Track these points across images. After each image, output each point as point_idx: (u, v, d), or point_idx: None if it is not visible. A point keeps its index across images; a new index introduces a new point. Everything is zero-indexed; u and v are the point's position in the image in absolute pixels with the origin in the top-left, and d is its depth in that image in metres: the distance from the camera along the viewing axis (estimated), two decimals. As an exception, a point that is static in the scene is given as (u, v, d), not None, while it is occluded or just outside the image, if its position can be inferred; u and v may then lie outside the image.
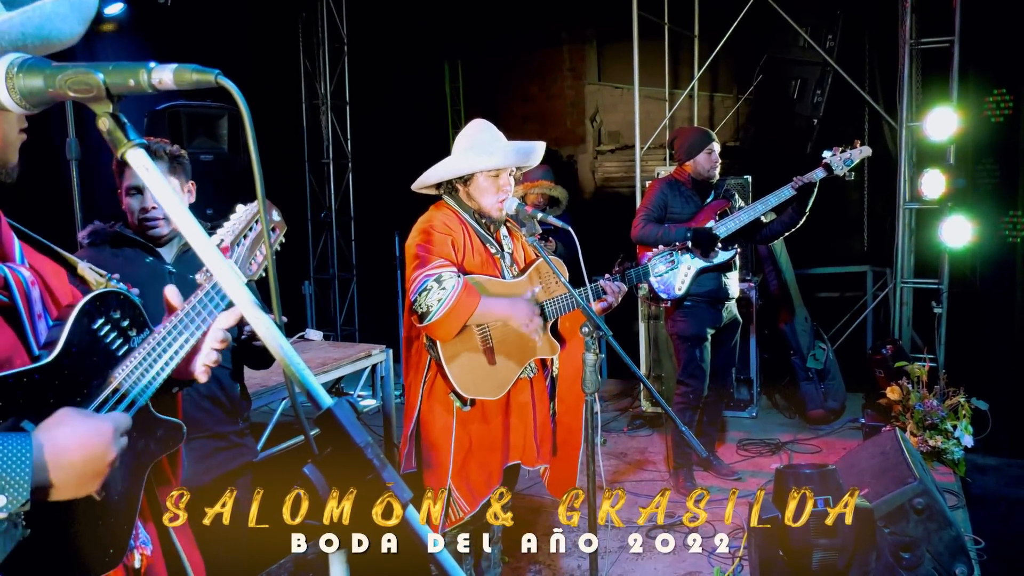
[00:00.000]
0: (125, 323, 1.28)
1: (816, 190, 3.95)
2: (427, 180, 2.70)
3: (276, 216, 1.53)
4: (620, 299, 2.77)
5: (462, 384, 2.57)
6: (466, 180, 2.64)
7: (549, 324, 2.75)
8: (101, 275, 1.33)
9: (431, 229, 2.57)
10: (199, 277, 1.39)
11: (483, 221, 2.69)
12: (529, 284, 2.73)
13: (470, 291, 2.47)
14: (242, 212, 1.50)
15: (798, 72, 6.29)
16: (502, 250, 2.75)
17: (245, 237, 1.47)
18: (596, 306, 2.71)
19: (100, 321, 1.24)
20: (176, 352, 1.30)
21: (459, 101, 9.05)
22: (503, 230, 2.79)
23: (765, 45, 6.60)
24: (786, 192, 3.96)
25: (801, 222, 4.07)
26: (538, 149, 2.67)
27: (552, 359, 2.87)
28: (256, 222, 1.50)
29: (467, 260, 2.60)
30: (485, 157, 2.60)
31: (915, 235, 5.55)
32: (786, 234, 4.19)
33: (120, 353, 1.26)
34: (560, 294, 2.73)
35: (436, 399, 2.66)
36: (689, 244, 4.08)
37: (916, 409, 4.37)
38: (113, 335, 1.26)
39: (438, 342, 2.54)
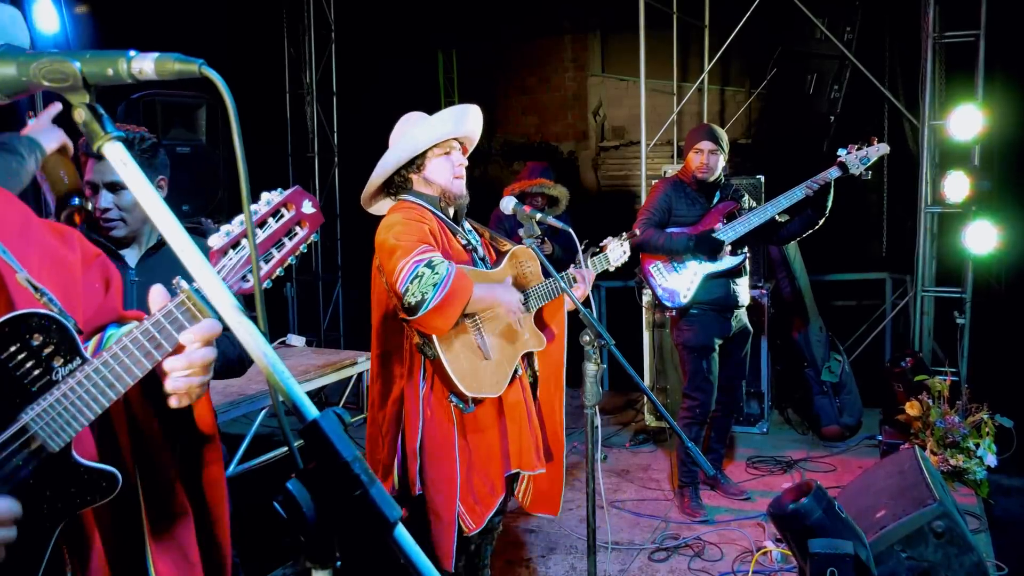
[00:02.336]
0: (47, 351, 1.16)
1: (833, 188, 3.97)
2: (382, 171, 2.67)
3: (309, 207, 1.30)
4: (591, 285, 2.81)
5: (465, 382, 2.51)
6: (419, 166, 2.64)
7: (532, 315, 2.77)
8: (37, 289, 1.19)
9: (404, 219, 2.56)
10: (156, 295, 1.22)
11: (449, 212, 2.70)
12: (508, 272, 2.75)
13: (463, 275, 2.46)
14: (263, 200, 1.30)
15: (814, 66, 6.32)
16: (472, 243, 2.76)
17: (258, 230, 1.26)
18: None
19: (13, 348, 1.13)
20: (111, 388, 1.15)
21: (453, 93, 9.08)
22: (466, 225, 2.81)
23: (779, 37, 6.63)
24: (798, 193, 3.98)
25: (821, 222, 4.09)
26: (471, 111, 2.68)
27: (531, 362, 2.88)
28: (272, 218, 1.27)
29: (445, 252, 2.58)
30: (428, 129, 2.61)
31: (937, 240, 5.57)
32: (805, 235, 4.20)
33: (36, 387, 1.15)
34: (536, 284, 2.76)
35: (437, 405, 2.61)
36: (691, 252, 4.11)
37: (937, 426, 4.39)
38: (29, 364, 1.14)
39: (434, 338, 2.48)
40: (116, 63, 0.89)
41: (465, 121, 2.65)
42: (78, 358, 1.18)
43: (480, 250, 2.77)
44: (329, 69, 7.69)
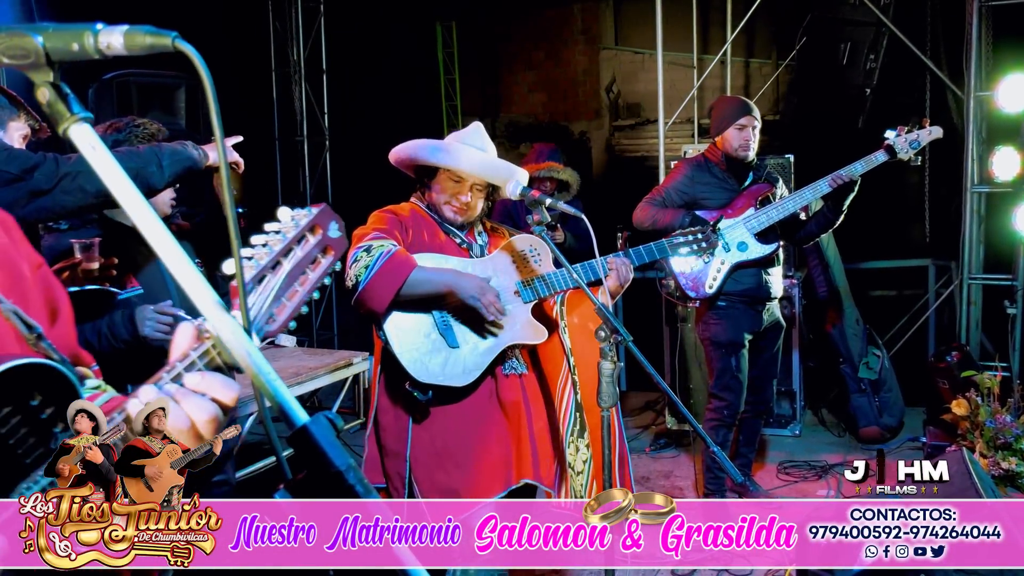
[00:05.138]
0: (47, 413, 1.04)
1: (857, 187, 3.95)
2: (400, 153, 2.81)
3: (335, 231, 1.19)
4: (630, 277, 2.79)
5: (415, 367, 2.60)
6: (432, 175, 2.78)
7: (530, 306, 2.78)
8: (28, 326, 1.08)
9: (379, 212, 2.75)
10: (182, 336, 1.08)
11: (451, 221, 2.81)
12: (493, 263, 2.77)
13: (402, 256, 2.56)
14: (281, 227, 1.15)
15: (848, 34, 6.26)
16: (474, 243, 2.83)
17: (275, 268, 1.12)
18: (603, 295, 2.72)
19: (7, 410, 1.00)
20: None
21: (453, 69, 9.06)
22: (479, 226, 2.89)
23: (809, 2, 6.58)
24: (823, 187, 3.97)
25: (839, 222, 4.09)
26: (510, 172, 2.70)
27: (569, 370, 2.87)
28: (307, 233, 1.14)
29: (420, 242, 2.70)
30: (443, 153, 2.73)
31: (984, 223, 5.54)
32: (823, 235, 4.21)
33: (30, 459, 1.03)
34: (544, 273, 2.76)
35: (391, 395, 2.74)
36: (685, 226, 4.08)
37: (986, 426, 4.36)
38: (22, 433, 1.01)
39: (385, 325, 2.60)
40: (81, 37, 0.88)
41: (495, 173, 2.70)
42: None
43: (479, 250, 2.82)
44: (318, 45, 7.67)
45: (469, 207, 2.74)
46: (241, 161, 2.51)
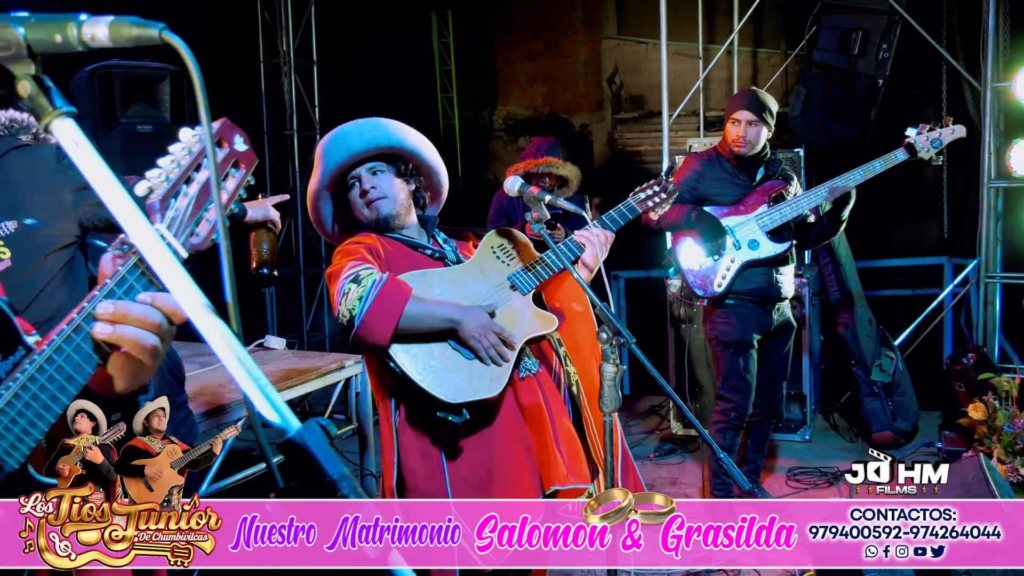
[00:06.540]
0: None
1: (853, 197, 3.96)
2: (312, 214, 2.77)
3: (241, 144, 1.25)
4: (608, 247, 2.76)
5: (443, 389, 2.49)
6: (344, 204, 2.72)
7: (531, 296, 2.74)
8: None
9: (339, 249, 2.65)
10: (106, 259, 1.15)
11: (403, 232, 2.73)
12: (479, 264, 2.72)
13: (395, 281, 2.47)
14: (184, 144, 1.19)
15: (859, 22, 6.27)
16: (443, 249, 2.77)
17: (188, 183, 1.17)
18: (582, 270, 2.70)
19: None
20: (69, 382, 1.06)
21: (449, 60, 9.05)
22: (440, 235, 2.83)
23: (820, -10, 6.59)
24: (872, 167, 3.97)
25: (839, 231, 4.11)
26: (372, 126, 2.67)
27: (562, 361, 2.85)
28: (204, 160, 1.19)
29: (396, 265, 2.60)
30: (317, 169, 2.67)
31: (1003, 219, 5.55)
32: (823, 243, 4.23)
33: None
34: (529, 261, 2.73)
35: (414, 432, 2.62)
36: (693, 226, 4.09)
37: (1005, 431, 4.37)
38: None
39: (395, 355, 2.50)
40: (65, 28, 0.88)
41: (331, 154, 2.65)
42: (20, 347, 1.11)
43: (452, 255, 2.77)
44: (308, 35, 7.67)
45: (380, 192, 2.65)
46: (278, 221, 2.60)
